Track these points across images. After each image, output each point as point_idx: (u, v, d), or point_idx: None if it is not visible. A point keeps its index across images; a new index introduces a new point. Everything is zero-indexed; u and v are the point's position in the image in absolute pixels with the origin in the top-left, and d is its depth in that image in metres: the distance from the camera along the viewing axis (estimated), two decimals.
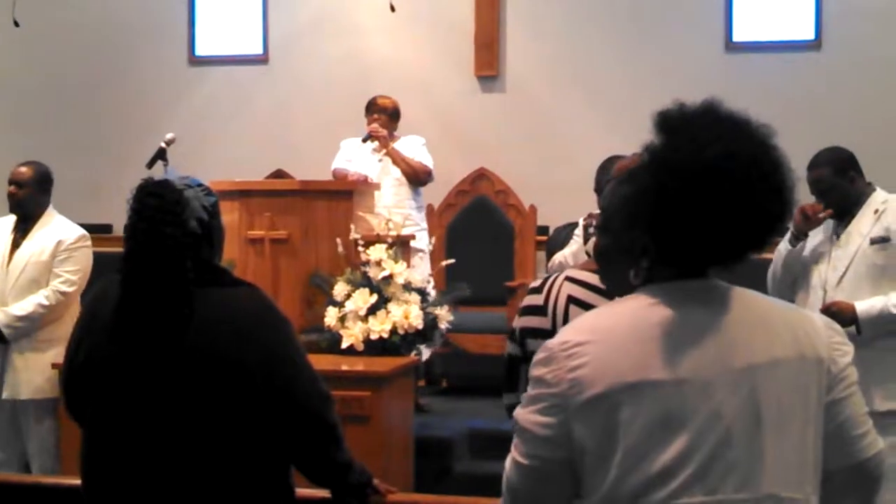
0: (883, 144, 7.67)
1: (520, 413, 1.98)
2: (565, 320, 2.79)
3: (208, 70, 9.62)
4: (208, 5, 9.70)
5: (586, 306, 2.77)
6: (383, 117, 7.23)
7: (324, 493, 3.17)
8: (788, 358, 1.94)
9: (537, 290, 2.92)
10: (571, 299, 2.83)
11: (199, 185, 2.93)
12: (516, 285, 7.39)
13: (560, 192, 8.03)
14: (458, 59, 9.04)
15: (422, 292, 5.85)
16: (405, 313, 5.67)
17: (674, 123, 1.93)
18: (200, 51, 9.67)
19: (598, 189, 4.54)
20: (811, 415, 1.95)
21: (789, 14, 8.67)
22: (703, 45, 8.71)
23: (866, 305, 4.63)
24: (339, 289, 5.76)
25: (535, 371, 1.96)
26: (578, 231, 5.42)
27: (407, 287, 5.78)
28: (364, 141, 7.14)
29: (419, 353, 5.94)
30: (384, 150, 7.09)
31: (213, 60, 9.63)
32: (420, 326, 5.69)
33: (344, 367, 5.32)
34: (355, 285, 5.75)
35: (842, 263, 4.76)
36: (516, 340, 2.95)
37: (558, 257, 5.49)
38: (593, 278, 2.80)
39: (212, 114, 9.47)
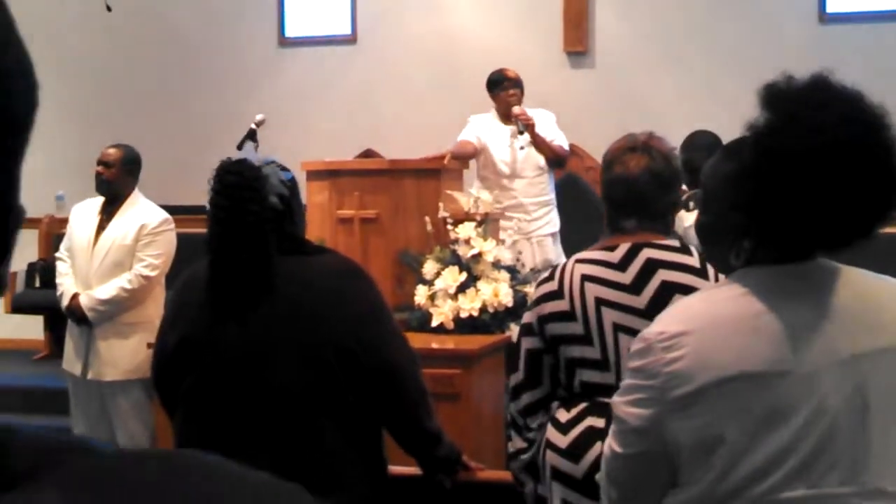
0: None
1: (616, 401, 1.95)
2: (583, 299, 2.84)
3: (297, 51, 9.68)
4: None
5: (600, 280, 2.85)
6: (518, 92, 6.78)
7: (414, 470, 3.19)
8: None
9: (548, 279, 2.97)
10: (585, 277, 2.87)
11: (274, 162, 2.97)
12: None
13: None
14: (546, 36, 8.98)
15: (511, 270, 5.84)
16: (495, 291, 5.66)
17: (780, 101, 1.84)
18: (290, 32, 9.73)
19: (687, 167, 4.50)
20: None
21: None
22: (796, 18, 8.54)
23: None
24: (429, 267, 5.77)
25: (632, 362, 1.92)
26: None
27: (496, 265, 5.77)
28: (520, 133, 6.59)
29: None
30: (529, 139, 6.64)
31: (302, 41, 9.68)
32: (510, 304, 5.68)
33: (434, 346, 5.33)
34: (444, 263, 5.75)
35: None
36: (534, 332, 2.95)
37: None
38: (600, 254, 2.89)
39: (301, 95, 9.52)
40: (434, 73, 9.00)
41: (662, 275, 2.82)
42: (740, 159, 1.90)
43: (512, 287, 5.73)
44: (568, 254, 6.64)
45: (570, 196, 8.05)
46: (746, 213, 1.88)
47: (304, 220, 3.13)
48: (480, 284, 5.68)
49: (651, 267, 2.83)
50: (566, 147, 6.90)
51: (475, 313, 5.62)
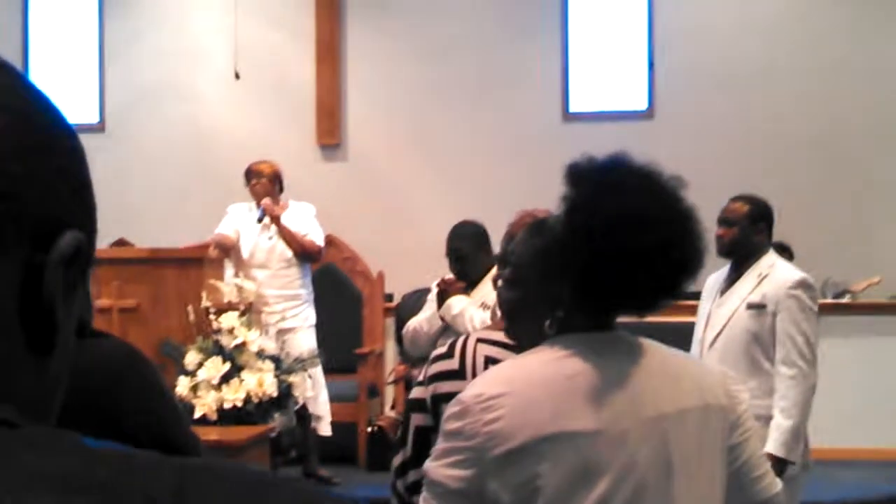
0: (715, 209, 7.93)
1: (431, 466, 1.96)
2: None
3: None
4: (41, 74, 9.50)
5: None
6: (262, 181, 6.76)
7: None
8: (694, 407, 2.00)
9: (447, 356, 2.84)
10: (490, 360, 2.79)
11: None
12: (366, 352, 7.38)
13: (406, 257, 8.08)
14: (300, 127, 9.06)
15: (276, 360, 5.80)
16: (259, 381, 5.60)
17: (582, 175, 1.97)
18: None
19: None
20: (717, 460, 2.01)
21: (623, 86, 9.01)
22: (541, 115, 8.92)
23: (773, 438, 4.28)
24: (191, 357, 5.67)
25: (449, 425, 1.94)
26: (431, 296, 5.30)
27: (260, 354, 5.73)
28: (259, 221, 6.63)
29: (275, 422, 5.87)
30: (275, 229, 6.66)
31: None
32: (274, 394, 5.64)
33: None
34: (207, 353, 5.66)
35: (718, 323, 4.59)
36: (427, 410, 2.88)
37: (412, 324, 5.30)
38: (503, 336, 2.79)
39: None
40: (188, 163, 8.91)
41: None
42: (550, 233, 2.02)
43: (276, 377, 5.69)
44: (326, 342, 6.67)
45: (326, 285, 8.07)
46: (560, 280, 1.97)
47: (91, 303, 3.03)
48: (244, 374, 5.62)
49: None
50: (319, 242, 6.85)
51: (239, 404, 5.55)
